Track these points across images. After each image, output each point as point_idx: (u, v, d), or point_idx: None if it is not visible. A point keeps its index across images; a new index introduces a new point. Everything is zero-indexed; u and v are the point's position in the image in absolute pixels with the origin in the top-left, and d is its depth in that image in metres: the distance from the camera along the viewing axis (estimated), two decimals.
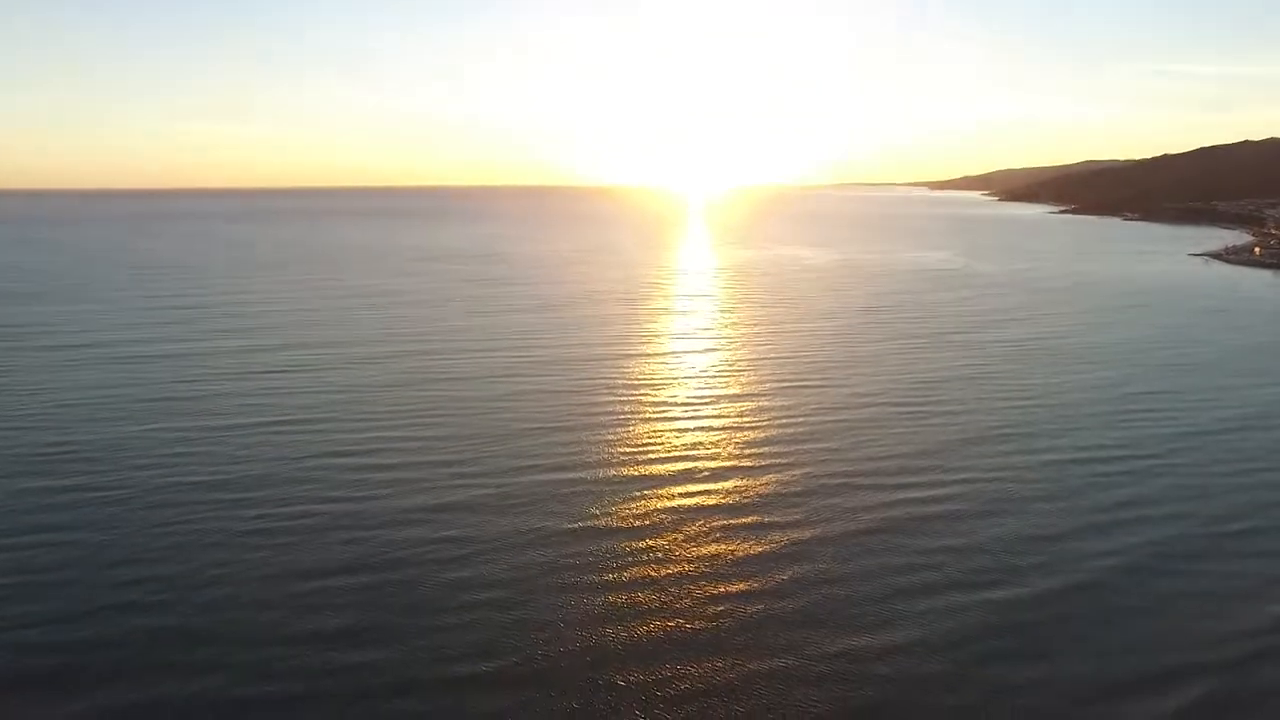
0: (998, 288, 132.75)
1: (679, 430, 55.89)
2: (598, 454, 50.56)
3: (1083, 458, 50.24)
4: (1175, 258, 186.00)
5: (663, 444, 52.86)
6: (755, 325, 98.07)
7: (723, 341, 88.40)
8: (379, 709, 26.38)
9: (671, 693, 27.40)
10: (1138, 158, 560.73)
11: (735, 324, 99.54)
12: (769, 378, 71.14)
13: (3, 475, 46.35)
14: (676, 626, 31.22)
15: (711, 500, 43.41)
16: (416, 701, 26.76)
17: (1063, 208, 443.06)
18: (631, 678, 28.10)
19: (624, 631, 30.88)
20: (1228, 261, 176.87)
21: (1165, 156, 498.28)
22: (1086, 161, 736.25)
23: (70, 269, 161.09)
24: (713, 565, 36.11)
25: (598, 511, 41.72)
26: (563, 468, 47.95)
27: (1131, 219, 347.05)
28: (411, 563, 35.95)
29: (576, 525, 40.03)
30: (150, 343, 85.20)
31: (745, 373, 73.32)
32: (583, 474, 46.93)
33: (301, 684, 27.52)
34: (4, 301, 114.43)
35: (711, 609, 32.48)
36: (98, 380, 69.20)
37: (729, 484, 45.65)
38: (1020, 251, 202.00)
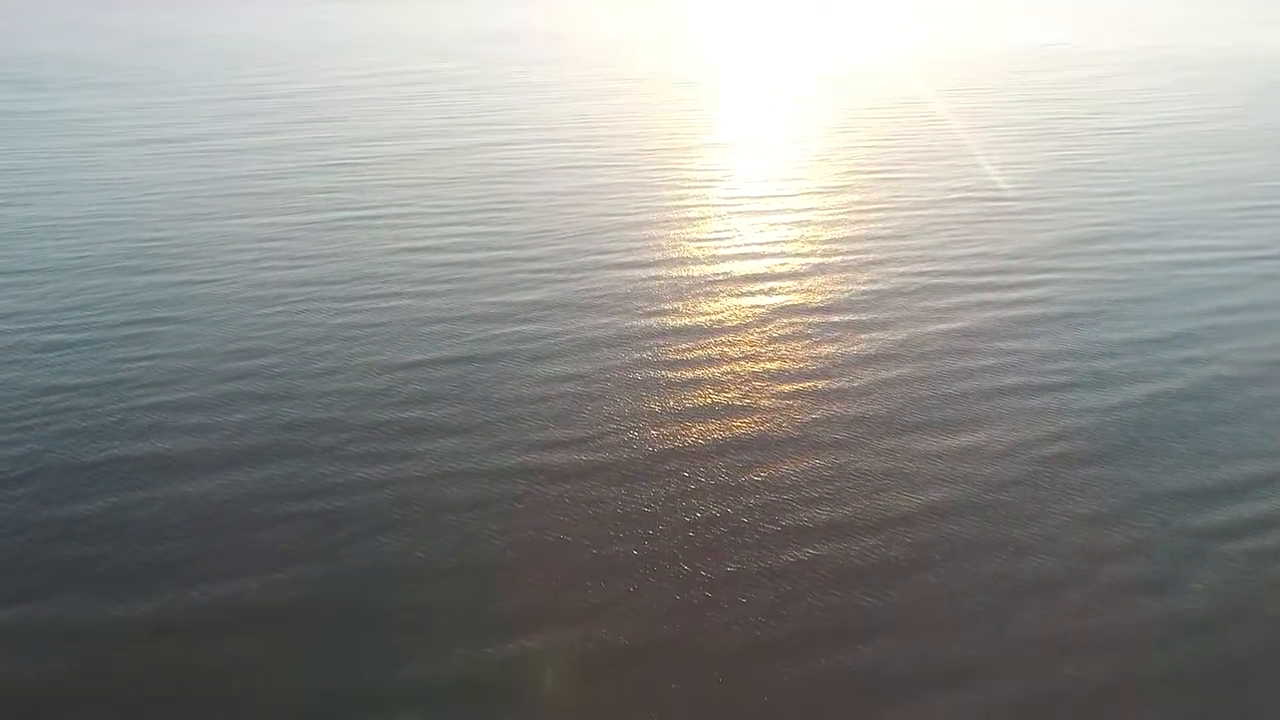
0: (1113, 66, 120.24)
1: (760, 226, 54.40)
2: (677, 251, 49.93)
3: (1199, 259, 47.30)
4: None
5: (743, 240, 51.71)
6: (839, 113, 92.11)
7: (804, 131, 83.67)
8: (470, 490, 28.31)
9: (747, 483, 28.48)
10: None
11: (817, 112, 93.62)
12: (854, 170, 67.69)
13: (108, 270, 48.58)
14: (754, 423, 31.93)
15: (794, 299, 42.87)
16: (502, 484, 28.55)
17: None
18: (710, 470, 29.21)
19: (703, 426, 31.78)
20: None
21: None
22: None
23: (132, 56, 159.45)
24: (792, 364, 36.25)
25: (678, 309, 41.79)
26: (642, 264, 47.67)
27: None
28: (496, 357, 37.08)
29: (656, 322, 40.31)
30: (226, 136, 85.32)
31: (828, 164, 69.82)
32: (662, 271, 46.64)
33: (400, 467, 29.54)
34: (76, 94, 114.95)
35: (788, 405, 32.95)
36: (182, 175, 70.30)
37: (812, 282, 44.82)
38: (1141, 22, 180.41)
